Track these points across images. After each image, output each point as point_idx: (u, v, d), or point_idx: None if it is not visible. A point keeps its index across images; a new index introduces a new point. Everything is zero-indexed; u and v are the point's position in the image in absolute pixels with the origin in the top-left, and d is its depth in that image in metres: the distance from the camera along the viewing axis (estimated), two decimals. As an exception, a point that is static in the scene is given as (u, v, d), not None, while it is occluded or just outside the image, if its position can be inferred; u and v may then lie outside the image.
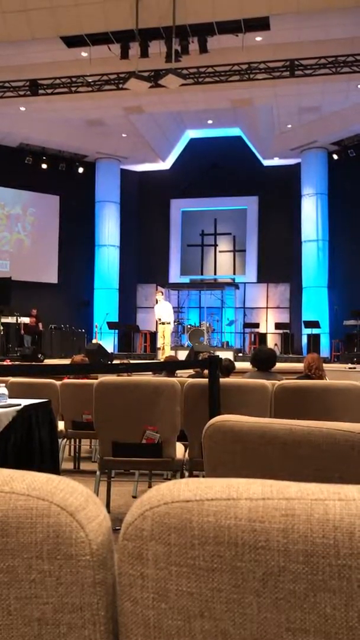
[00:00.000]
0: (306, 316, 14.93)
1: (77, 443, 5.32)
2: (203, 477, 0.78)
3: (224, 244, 17.29)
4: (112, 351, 13.95)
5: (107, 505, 3.56)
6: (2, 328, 12.90)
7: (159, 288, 15.51)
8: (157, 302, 12.78)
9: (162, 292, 12.83)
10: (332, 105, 13.28)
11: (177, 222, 17.47)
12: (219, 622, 0.60)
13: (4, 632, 0.63)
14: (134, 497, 4.13)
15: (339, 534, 0.57)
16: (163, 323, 12.34)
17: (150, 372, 6.55)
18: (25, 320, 13.67)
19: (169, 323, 12.61)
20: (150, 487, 4.22)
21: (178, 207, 17.40)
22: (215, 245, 17.27)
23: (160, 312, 12.41)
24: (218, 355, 3.30)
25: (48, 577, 0.62)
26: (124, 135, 15.60)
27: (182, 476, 3.22)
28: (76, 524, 0.62)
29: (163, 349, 12.38)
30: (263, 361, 4.53)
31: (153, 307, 16.73)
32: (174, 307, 13.08)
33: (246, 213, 16.95)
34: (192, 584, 0.60)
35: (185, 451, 3.34)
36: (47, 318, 14.55)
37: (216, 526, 0.60)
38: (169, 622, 0.61)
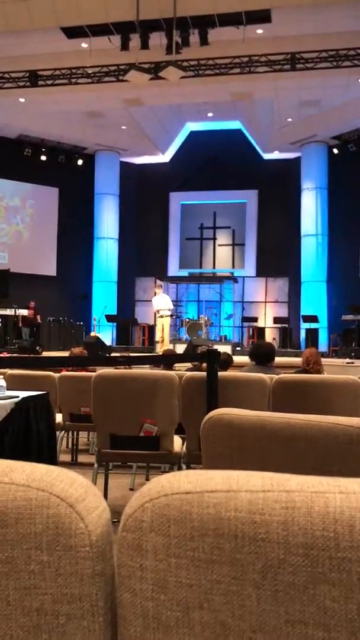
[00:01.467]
0: (305, 310, 14.94)
1: (75, 435, 5.33)
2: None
3: (223, 238, 17.27)
4: (111, 344, 13.96)
5: (105, 498, 3.56)
6: (0, 320, 12.89)
7: (158, 281, 15.49)
8: (155, 295, 12.78)
9: (160, 285, 12.87)
10: (332, 99, 13.23)
11: (176, 215, 17.44)
12: (218, 614, 0.60)
13: (2, 622, 0.63)
14: (132, 489, 4.14)
15: (339, 527, 0.57)
16: (162, 316, 12.33)
17: (149, 365, 6.56)
18: (24, 312, 13.65)
19: (168, 316, 12.61)
20: (147, 480, 4.24)
21: (177, 200, 17.36)
22: (214, 239, 17.25)
23: (158, 303, 12.41)
24: (216, 349, 3.30)
25: (47, 568, 0.62)
26: (123, 127, 15.54)
27: (180, 469, 3.22)
28: (76, 515, 0.62)
29: (162, 342, 12.39)
30: (262, 355, 4.53)
31: (151, 300, 16.77)
32: (172, 301, 13.07)
33: (245, 207, 16.92)
34: (191, 575, 0.60)
35: (183, 444, 3.34)
36: (46, 310, 14.53)
37: (216, 518, 0.60)
38: (168, 613, 0.61)
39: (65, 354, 8.64)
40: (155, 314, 12.81)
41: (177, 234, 17.45)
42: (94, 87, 12.07)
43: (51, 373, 4.49)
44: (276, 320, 15.81)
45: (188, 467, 3.18)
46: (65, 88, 12.08)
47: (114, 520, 0.66)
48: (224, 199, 16.90)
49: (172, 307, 13.04)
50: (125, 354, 8.60)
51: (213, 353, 3.14)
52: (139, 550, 0.62)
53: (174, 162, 17.08)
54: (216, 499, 0.61)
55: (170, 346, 12.51)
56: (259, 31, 10.49)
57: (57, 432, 4.23)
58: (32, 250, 15.93)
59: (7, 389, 3.16)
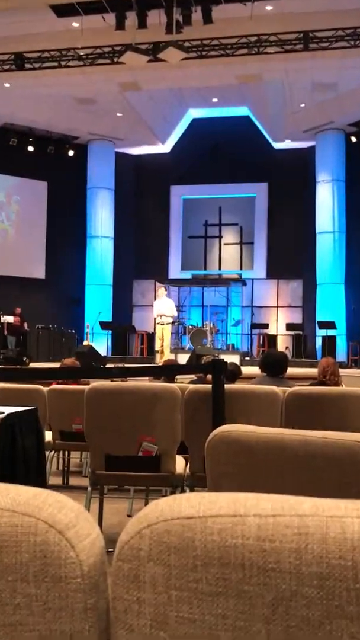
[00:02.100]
0: (321, 316, 14.93)
1: (66, 455, 5.32)
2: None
3: (229, 236, 17.30)
4: (105, 354, 13.96)
5: (100, 525, 3.56)
6: (-17, 328, 12.92)
7: (159, 284, 15.50)
8: (157, 298, 12.78)
9: (164, 288, 12.85)
10: (350, 82, 13.27)
11: (177, 211, 17.48)
12: (224, 653, 0.60)
13: (-15, 663, 0.63)
14: (129, 515, 4.13)
15: (358, 555, 0.57)
16: (162, 323, 12.33)
17: (148, 378, 6.55)
18: (9, 319, 13.66)
19: (170, 323, 12.62)
20: (147, 504, 4.21)
21: (179, 194, 17.41)
22: (220, 237, 17.28)
23: (161, 308, 12.39)
24: (223, 359, 3.30)
25: (34, 602, 0.62)
26: (119, 114, 15.61)
27: (183, 492, 3.22)
28: (66, 542, 0.62)
29: (162, 351, 12.39)
30: (273, 366, 4.53)
31: (152, 305, 16.73)
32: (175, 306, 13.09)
33: (254, 201, 16.95)
34: (194, 609, 0.60)
35: (186, 465, 3.34)
36: (33, 317, 14.55)
37: (221, 546, 0.60)
38: (169, 652, 0.61)
39: (56, 365, 8.65)
40: (154, 319, 12.83)
41: (179, 231, 17.48)
42: (86, 70, 12.14)
43: (40, 386, 4.49)
44: (289, 326, 15.81)
45: (191, 490, 3.17)
46: (55, 71, 12.15)
47: (109, 549, 0.66)
48: (231, 192, 16.94)
49: (176, 313, 13.06)
50: (122, 365, 8.61)
51: (219, 363, 3.14)
52: (136, 581, 0.62)
53: (175, 153, 17.14)
54: (221, 525, 0.61)
55: (172, 356, 12.51)
56: (268, 8, 10.54)
57: (47, 452, 4.23)
58: (18, 250, 15.97)
59: (-9, 404, 3.15)
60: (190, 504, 0.64)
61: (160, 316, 12.35)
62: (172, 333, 13.16)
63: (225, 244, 17.29)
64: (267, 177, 16.58)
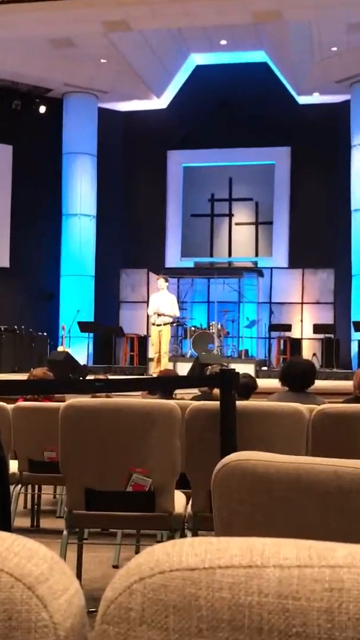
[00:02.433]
0: (357, 315, 14.94)
1: (36, 491, 5.32)
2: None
3: (242, 214, 17.30)
4: (86, 363, 13.95)
5: (79, 578, 3.56)
6: None
7: (154, 274, 15.46)
8: (157, 291, 12.72)
9: (164, 278, 12.80)
10: (394, 20, 13.29)
11: (176, 182, 17.48)
12: None
13: None
14: (116, 566, 4.13)
15: None
16: (160, 324, 12.30)
17: (139, 393, 6.53)
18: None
19: (169, 324, 12.62)
20: (138, 552, 4.22)
21: (178, 161, 17.41)
22: (230, 216, 17.29)
23: (160, 304, 12.35)
24: (233, 369, 3.29)
25: None
26: (103, 60, 15.62)
27: (183, 537, 3.22)
28: (36, 600, 0.62)
29: (158, 359, 12.40)
30: (297, 378, 4.53)
31: (144, 302, 16.71)
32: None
33: (273, 170, 16.96)
34: None
35: (188, 503, 3.34)
36: (-5, 316, 14.55)
37: (233, 604, 0.60)
38: None
39: (23, 377, 8.63)
40: (149, 318, 12.83)
41: (179, 208, 17.48)
42: (62, 4, 12.13)
43: (2, 403, 4.49)
44: (317, 328, 15.80)
45: (194, 535, 3.17)
46: (23, 6, 12.14)
47: (91, 609, 0.66)
48: (244, 159, 16.95)
49: (178, 313, 13.05)
50: (106, 377, 8.57)
51: (229, 375, 3.14)
52: (125, 650, 0.62)
53: (173, 109, 17.14)
54: (233, 578, 0.61)
55: (170, 365, 12.50)
56: None
57: (11, 487, 4.22)
58: (-24, 232, 15.97)
59: None
60: (193, 551, 0.63)
61: (158, 315, 12.32)
62: (170, 336, 13.16)
63: (236, 224, 17.30)
64: (290, 140, 16.59)
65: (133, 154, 17.27)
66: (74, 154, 16.54)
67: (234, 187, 17.19)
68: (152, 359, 12.69)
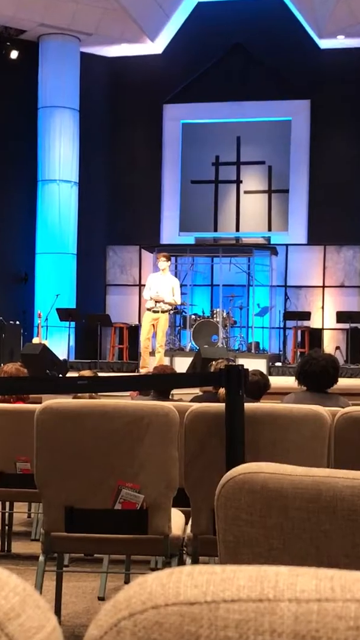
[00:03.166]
0: (389, 301, 14.93)
1: (7, 509, 5.33)
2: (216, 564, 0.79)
3: (252, 180, 17.26)
4: (66, 357, 13.95)
5: (57, 613, 3.57)
6: None
7: (148, 252, 15.44)
8: (157, 272, 12.68)
9: (167, 257, 12.72)
10: None
11: (174, 142, 17.42)
12: None
13: None
14: (102, 599, 4.14)
15: None
16: (158, 311, 12.28)
17: (130, 393, 6.54)
18: None
19: (168, 311, 12.59)
20: (128, 582, 4.23)
21: (176, 117, 17.35)
22: (239, 182, 17.24)
23: (160, 287, 12.30)
24: (242, 365, 3.29)
25: None
26: (86, -4, 15.54)
27: (181, 564, 3.23)
28: (6, 640, 0.61)
29: (147, 353, 12.38)
30: (316, 375, 4.54)
31: (134, 285, 16.68)
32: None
33: (290, 128, 16.91)
34: None
35: (187, 523, 3.35)
36: None
37: (240, 645, 0.60)
38: None
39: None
40: (140, 303, 12.80)
41: (177, 173, 17.43)
42: None
43: (-33, 406, 4.49)
44: (341, 316, 15.78)
45: (194, 562, 3.18)
46: None
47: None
48: (255, 115, 16.89)
49: (180, 300, 13.02)
50: (91, 374, 8.56)
51: (236, 372, 3.14)
52: None
53: (170, 55, 17.08)
54: (240, 614, 0.61)
55: (166, 361, 12.49)
56: None
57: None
58: None
59: None
60: (193, 582, 0.63)
61: (157, 302, 12.27)
62: (168, 326, 13.16)
63: (245, 192, 17.26)
64: (310, 92, 16.52)
65: (122, 108, 17.21)
66: (52, 108, 16.46)
67: (243, 148, 17.13)
68: (143, 352, 12.63)
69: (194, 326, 14.23)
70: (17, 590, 0.65)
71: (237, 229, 17.22)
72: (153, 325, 12.34)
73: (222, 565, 0.66)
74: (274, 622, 0.60)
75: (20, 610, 0.63)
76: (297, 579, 0.63)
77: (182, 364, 12.28)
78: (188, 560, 3.22)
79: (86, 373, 6.46)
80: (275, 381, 8.67)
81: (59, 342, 14.75)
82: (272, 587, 0.62)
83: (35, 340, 13.76)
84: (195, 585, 0.63)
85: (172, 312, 13.61)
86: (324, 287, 16.72)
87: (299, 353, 14.78)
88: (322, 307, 16.52)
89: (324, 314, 16.45)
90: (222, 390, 4.70)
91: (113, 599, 0.65)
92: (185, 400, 5.34)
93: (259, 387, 5.25)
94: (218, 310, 14.61)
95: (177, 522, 3.30)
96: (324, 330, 16.13)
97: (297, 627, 0.60)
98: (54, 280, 16.12)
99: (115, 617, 0.63)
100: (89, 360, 14.80)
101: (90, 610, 3.97)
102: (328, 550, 1.44)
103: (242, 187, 17.24)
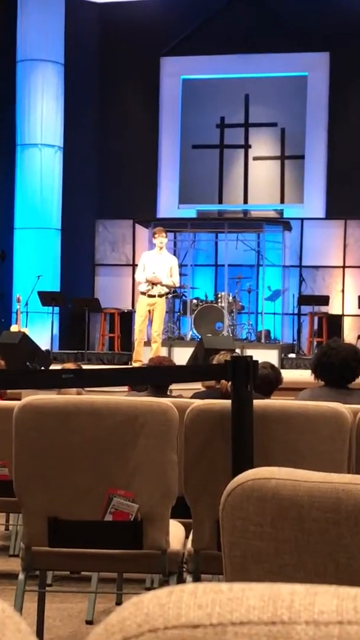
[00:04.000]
0: None
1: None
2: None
3: (263, 145, 17.23)
4: (49, 347, 13.97)
5: (40, 637, 3.58)
6: None
7: (143, 227, 15.43)
8: (153, 250, 12.67)
9: (164, 233, 12.66)
10: None
11: (173, 101, 17.39)
12: None
13: None
14: (90, 622, 4.15)
15: None
16: (155, 295, 12.25)
17: (122, 388, 6.54)
18: None
19: (166, 295, 12.58)
20: (120, 603, 4.24)
21: (175, 72, 17.31)
22: (247, 147, 17.21)
23: (157, 266, 12.28)
24: (250, 357, 3.29)
25: None
26: None
27: (181, 582, 3.23)
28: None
29: (141, 345, 12.38)
30: (335, 368, 4.54)
31: (128, 265, 16.67)
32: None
33: (305, 85, 16.87)
34: None
35: (187, 537, 3.35)
36: None
37: (250, 674, 0.60)
38: None
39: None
40: (134, 285, 12.77)
41: (176, 137, 17.40)
42: None
43: None
44: (364, 301, 15.83)
45: (196, 579, 3.19)
46: None
47: None
48: (265, 70, 16.86)
49: (179, 282, 12.99)
50: (78, 366, 8.54)
51: (244, 365, 3.13)
52: None
53: (169, 0, 16.99)
54: (251, 638, 0.61)
55: (164, 351, 12.50)
56: None
57: None
58: None
59: None
60: (196, 602, 0.63)
61: (153, 283, 12.23)
62: (165, 312, 13.14)
63: (255, 158, 17.23)
64: (328, 44, 16.48)
65: (114, 62, 17.16)
66: (33, 61, 16.38)
67: (252, 107, 17.10)
68: (137, 341, 12.61)
69: (195, 312, 14.23)
70: (-6, 612, 0.65)
71: (245, 201, 17.20)
72: (149, 311, 12.29)
73: (228, 584, 0.66)
74: (288, 648, 0.60)
75: (-2, 633, 0.64)
76: (315, 599, 0.63)
77: (181, 355, 12.28)
78: (189, 578, 3.21)
79: (70, 365, 6.47)
80: (289, 375, 8.69)
81: (41, 330, 14.76)
82: (287, 607, 0.62)
83: (14, 327, 13.78)
84: (198, 606, 0.63)
85: (170, 296, 13.61)
86: (344, 267, 16.70)
87: (315, 343, 14.80)
88: (342, 291, 16.52)
89: (344, 298, 16.45)
90: (224, 382, 4.72)
91: (104, 622, 0.65)
92: (185, 397, 5.35)
93: (269, 381, 5.24)
94: (223, 294, 14.62)
95: (176, 535, 3.30)
96: (344, 317, 16.13)
97: (315, 653, 0.60)
98: (35, 260, 16.09)
99: (107, 641, 0.64)
100: (75, 351, 14.81)
101: (76, 635, 3.98)
102: (349, 566, 1.44)
103: (251, 153, 17.22)
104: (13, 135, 16.47)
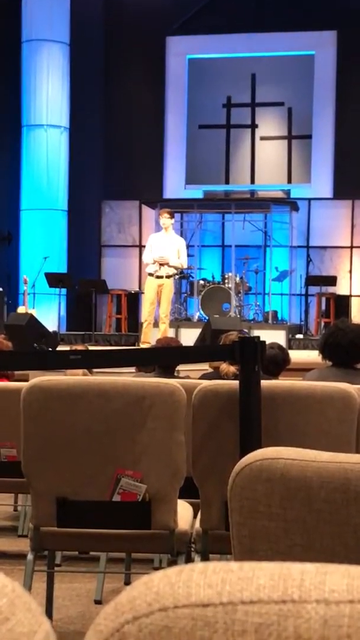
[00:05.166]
0: None
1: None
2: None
3: (269, 125, 17.16)
4: (57, 329, 13.97)
5: (49, 617, 3.59)
6: None
7: (149, 208, 15.40)
8: (160, 231, 12.62)
9: (171, 214, 12.61)
10: None
11: (179, 81, 17.32)
12: None
13: None
14: (99, 602, 4.17)
15: None
16: (162, 276, 12.22)
17: (129, 369, 6.54)
18: None
19: (173, 276, 12.55)
20: (128, 583, 4.26)
21: (181, 52, 17.22)
22: (254, 127, 17.14)
23: (164, 248, 12.25)
24: (258, 337, 3.29)
25: None
26: None
27: (190, 561, 3.24)
28: (-8, 647, 0.62)
29: (149, 327, 12.37)
30: (343, 349, 4.53)
31: (135, 246, 16.64)
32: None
33: (313, 64, 16.78)
34: None
35: (195, 517, 3.36)
36: None
37: (260, 653, 0.60)
38: None
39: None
40: (141, 267, 12.74)
41: (182, 117, 17.34)
42: None
43: None
44: (372, 281, 15.81)
45: (204, 559, 3.19)
46: None
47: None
48: (272, 49, 16.77)
49: (186, 264, 12.93)
50: (85, 347, 8.55)
51: (251, 345, 3.13)
52: None
53: (174, -21, 16.94)
54: (261, 617, 0.61)
55: (171, 332, 12.49)
56: None
57: None
58: None
59: None
60: (206, 581, 0.63)
61: (161, 265, 12.19)
62: (173, 293, 13.12)
63: (262, 138, 17.17)
64: (335, 22, 16.38)
65: (119, 41, 17.08)
66: (38, 41, 16.32)
67: (259, 87, 17.03)
68: (145, 322, 12.60)
69: (202, 293, 14.22)
70: (5, 591, 0.65)
71: (252, 181, 17.15)
72: (157, 292, 12.24)
73: (239, 562, 0.66)
74: (299, 627, 0.60)
75: (8, 613, 0.63)
76: (325, 578, 0.62)
77: (189, 336, 12.28)
78: (197, 558, 3.22)
79: (80, 348, 6.48)
80: (296, 356, 8.68)
81: (48, 312, 14.76)
82: (297, 586, 0.62)
83: (21, 309, 13.77)
84: (208, 585, 0.63)
85: (177, 277, 13.58)
86: (352, 247, 16.66)
87: (323, 323, 14.77)
88: (350, 271, 16.48)
89: (352, 278, 16.42)
90: (224, 366, 4.72)
91: (114, 601, 0.65)
92: (193, 378, 5.35)
93: (277, 362, 5.24)
94: (230, 274, 14.60)
95: (184, 515, 3.30)
96: (352, 298, 16.11)
97: (326, 631, 0.60)
98: (42, 241, 16.09)
99: (117, 621, 0.63)
100: (83, 332, 14.81)
101: (85, 615, 3.99)
102: (358, 546, 1.44)
103: (258, 133, 17.16)
104: (19, 117, 16.42)
